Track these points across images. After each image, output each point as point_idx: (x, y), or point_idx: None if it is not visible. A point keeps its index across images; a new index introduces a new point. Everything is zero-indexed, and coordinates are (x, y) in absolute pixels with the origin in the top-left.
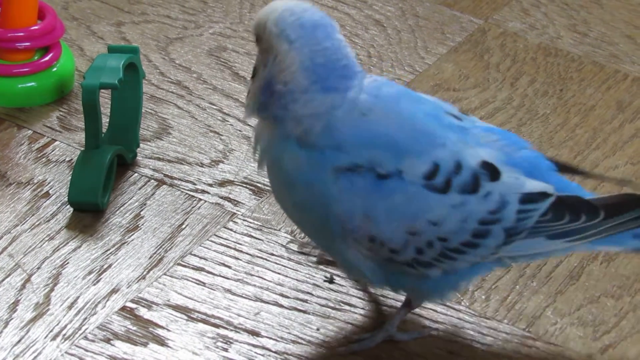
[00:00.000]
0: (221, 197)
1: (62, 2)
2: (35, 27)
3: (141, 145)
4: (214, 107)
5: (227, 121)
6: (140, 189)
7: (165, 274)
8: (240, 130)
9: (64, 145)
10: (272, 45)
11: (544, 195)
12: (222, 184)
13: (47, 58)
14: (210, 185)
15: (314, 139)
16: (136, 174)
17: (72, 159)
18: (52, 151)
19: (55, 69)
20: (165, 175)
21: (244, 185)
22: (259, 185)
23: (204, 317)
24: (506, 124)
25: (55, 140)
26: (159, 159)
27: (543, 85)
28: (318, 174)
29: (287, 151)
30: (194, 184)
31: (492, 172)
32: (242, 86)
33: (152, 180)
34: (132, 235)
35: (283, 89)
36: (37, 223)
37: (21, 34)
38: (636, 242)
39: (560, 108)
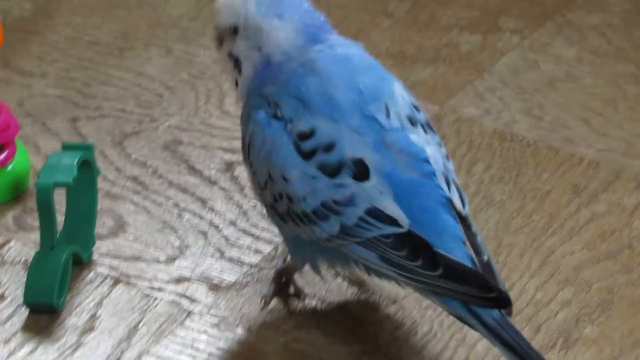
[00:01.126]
0: (178, 295)
1: (16, 98)
2: None
3: (97, 243)
4: (170, 202)
5: (183, 217)
6: (96, 288)
7: None
8: (196, 226)
9: (20, 246)
10: (261, 27)
11: (393, 221)
12: (179, 280)
13: (1, 157)
14: (167, 282)
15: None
16: (92, 273)
17: (27, 260)
18: (7, 252)
19: (9, 168)
20: (122, 274)
21: (201, 281)
22: (216, 281)
23: None
24: None
25: (11, 240)
26: (115, 257)
27: (499, 171)
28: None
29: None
30: (150, 282)
31: (360, 172)
32: (199, 180)
33: (109, 279)
34: (89, 336)
35: (283, 58)
36: None
37: None
38: (461, 310)
39: (516, 194)
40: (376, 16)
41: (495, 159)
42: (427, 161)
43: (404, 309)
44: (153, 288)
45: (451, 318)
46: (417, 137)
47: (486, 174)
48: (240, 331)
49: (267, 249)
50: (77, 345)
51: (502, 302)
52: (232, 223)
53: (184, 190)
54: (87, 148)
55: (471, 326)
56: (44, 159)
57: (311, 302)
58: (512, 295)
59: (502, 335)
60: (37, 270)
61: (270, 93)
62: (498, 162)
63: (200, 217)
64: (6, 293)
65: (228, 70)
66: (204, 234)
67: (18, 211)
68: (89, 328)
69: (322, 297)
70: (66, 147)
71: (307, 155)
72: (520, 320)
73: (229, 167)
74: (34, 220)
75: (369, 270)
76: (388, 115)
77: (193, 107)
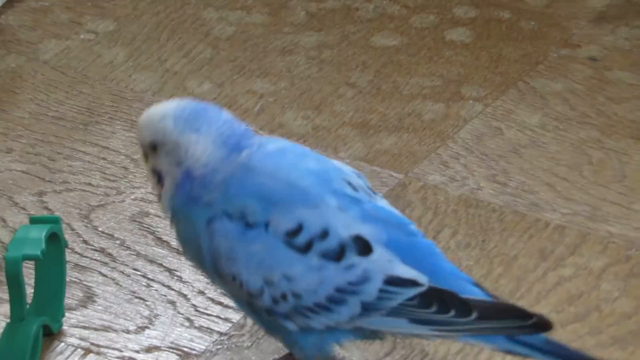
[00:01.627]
0: None
1: None
2: None
3: (66, 314)
4: (138, 272)
5: (152, 286)
6: (67, 358)
7: None
8: (165, 295)
9: None
10: (179, 143)
11: (412, 282)
12: (149, 349)
13: None
14: (137, 351)
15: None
16: (62, 344)
17: None
18: None
19: None
20: (92, 344)
21: (171, 350)
22: (186, 349)
23: None
24: None
25: None
26: (84, 328)
27: (465, 237)
28: (200, 220)
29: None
30: (121, 351)
31: (363, 247)
32: (166, 250)
33: (79, 350)
34: None
35: (205, 171)
36: None
37: None
38: (509, 344)
39: (483, 259)
40: (339, 86)
41: (462, 225)
42: (405, 222)
43: None
44: (124, 358)
45: None
46: (383, 202)
47: (452, 240)
48: None
49: (236, 317)
50: None
51: (544, 324)
52: (201, 292)
53: (152, 261)
54: (54, 221)
55: (526, 356)
56: (12, 233)
57: None
58: (482, 357)
59: (560, 352)
60: (7, 343)
61: (218, 202)
62: (464, 228)
63: (169, 287)
64: None
65: (153, 184)
66: (173, 303)
67: None
68: None
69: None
70: (34, 221)
71: (304, 249)
72: None
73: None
74: (3, 293)
75: (398, 335)
76: (354, 189)
77: None
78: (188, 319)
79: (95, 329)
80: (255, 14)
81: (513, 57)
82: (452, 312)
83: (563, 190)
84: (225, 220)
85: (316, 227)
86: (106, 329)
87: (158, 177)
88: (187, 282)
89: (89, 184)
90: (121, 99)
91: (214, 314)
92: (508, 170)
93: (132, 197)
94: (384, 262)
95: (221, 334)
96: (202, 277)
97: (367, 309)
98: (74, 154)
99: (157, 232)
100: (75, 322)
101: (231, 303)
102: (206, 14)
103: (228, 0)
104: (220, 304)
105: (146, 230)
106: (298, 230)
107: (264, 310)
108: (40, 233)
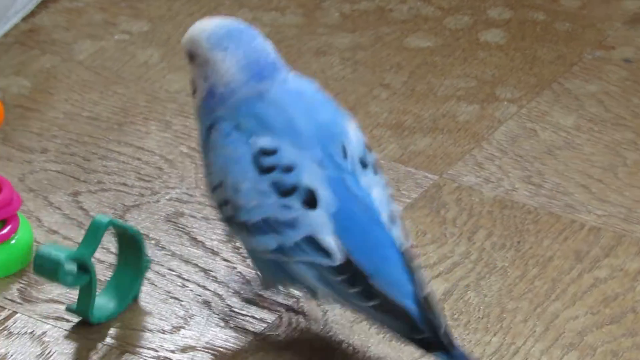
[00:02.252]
0: None
1: (18, 174)
2: None
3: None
4: (174, 273)
5: (187, 287)
6: (102, 358)
7: None
8: (200, 295)
9: (25, 318)
10: (208, 58)
11: (326, 253)
12: (184, 350)
13: (4, 231)
14: (172, 352)
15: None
16: (99, 344)
17: (33, 331)
18: (14, 323)
19: (13, 242)
20: (128, 344)
21: (206, 350)
22: (221, 349)
23: None
24: (465, 279)
25: (16, 313)
26: (120, 328)
27: (500, 238)
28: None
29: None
30: (156, 351)
31: (309, 201)
32: (201, 251)
33: (115, 349)
34: None
35: (225, 90)
36: None
37: None
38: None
39: (518, 260)
40: (373, 88)
41: (497, 227)
42: (373, 206)
43: None
44: (159, 358)
45: None
46: (367, 179)
47: (487, 242)
48: None
49: (271, 317)
50: None
51: (433, 344)
52: (236, 292)
53: (187, 261)
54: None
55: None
56: (47, 232)
57: None
58: (518, 358)
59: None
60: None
61: (225, 114)
62: (499, 230)
63: (204, 287)
64: None
65: (192, 93)
66: (208, 303)
67: (23, 284)
68: None
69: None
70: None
71: (263, 171)
72: None
73: (231, 238)
74: (38, 293)
75: (310, 290)
76: (345, 156)
77: (193, 180)
78: (223, 319)
79: (131, 329)
80: (289, 15)
81: (548, 59)
82: (356, 289)
83: (598, 192)
84: (224, 122)
85: (286, 160)
86: (142, 329)
87: (193, 88)
88: (222, 282)
89: (124, 184)
90: (155, 99)
91: (249, 314)
92: (543, 172)
93: (167, 197)
94: (316, 224)
95: (256, 334)
96: (238, 277)
97: (281, 250)
98: (109, 154)
99: (192, 232)
100: (110, 323)
101: (266, 303)
102: (240, 14)
103: (262, 1)
104: (255, 304)
105: (181, 231)
106: (271, 152)
107: (216, 208)
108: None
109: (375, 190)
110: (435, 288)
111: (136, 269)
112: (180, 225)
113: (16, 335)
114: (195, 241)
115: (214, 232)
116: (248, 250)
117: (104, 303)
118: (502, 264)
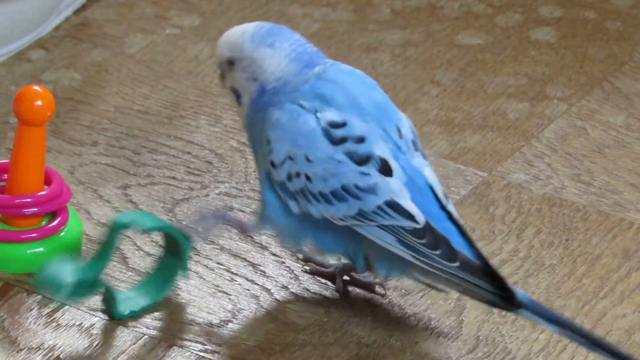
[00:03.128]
0: (232, 358)
1: (68, 166)
2: (42, 193)
3: (150, 307)
4: (222, 267)
5: (236, 280)
6: (150, 351)
7: None
8: (248, 290)
9: (74, 310)
10: (254, 58)
11: (409, 216)
12: (232, 344)
13: (54, 223)
14: (220, 345)
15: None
16: (146, 336)
17: (82, 323)
18: (62, 315)
19: (63, 234)
20: (175, 337)
21: (254, 344)
22: (269, 344)
23: None
24: (513, 276)
25: (65, 305)
26: (168, 321)
27: (549, 236)
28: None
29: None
30: (204, 345)
31: (385, 168)
32: (250, 245)
33: (162, 343)
34: None
35: (277, 84)
36: None
37: (28, 199)
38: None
39: (566, 258)
40: (424, 84)
41: (545, 224)
42: (428, 183)
43: None
44: (207, 351)
45: None
46: (418, 160)
47: (536, 239)
48: None
49: (319, 311)
50: None
51: (514, 304)
52: (284, 287)
53: (236, 255)
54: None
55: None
56: (96, 225)
57: None
58: (565, 356)
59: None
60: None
61: (283, 99)
62: (548, 227)
63: (252, 282)
64: (62, 355)
65: (232, 103)
66: (256, 297)
67: None
68: None
69: (375, 359)
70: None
71: (336, 142)
72: None
73: (259, 229)
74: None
75: (379, 256)
76: (400, 136)
77: (243, 174)
78: (271, 314)
79: (179, 322)
80: (340, 11)
81: (598, 57)
82: (439, 252)
83: None
84: (284, 104)
85: (357, 131)
86: (190, 322)
87: (236, 95)
88: (271, 277)
89: (174, 177)
90: (206, 93)
91: (297, 309)
92: (592, 170)
93: (216, 191)
94: (395, 189)
95: (304, 328)
96: (286, 272)
97: (362, 215)
98: (159, 147)
99: None
100: (159, 316)
101: (314, 298)
102: (291, 10)
103: None
104: (303, 299)
105: (230, 225)
106: (341, 125)
107: (277, 183)
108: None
109: (427, 170)
110: None
111: (172, 271)
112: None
113: (64, 328)
114: (243, 235)
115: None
116: (302, 219)
117: (133, 296)
118: (550, 262)
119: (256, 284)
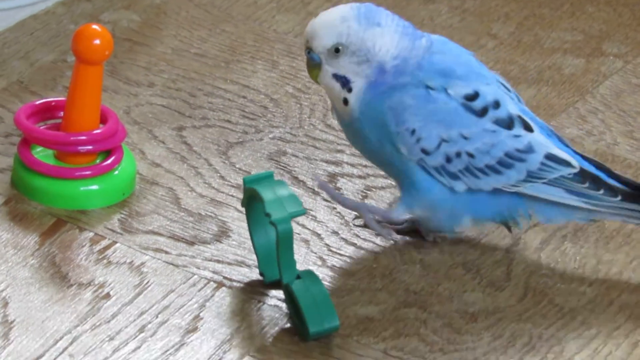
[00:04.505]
0: (280, 299)
1: (124, 106)
2: (98, 131)
3: (200, 247)
4: None
5: None
6: (199, 290)
7: None
8: (299, 234)
9: (125, 248)
10: (365, 39)
11: (567, 163)
12: (281, 286)
13: (109, 161)
14: (269, 287)
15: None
16: (196, 276)
17: (132, 261)
18: (113, 253)
19: (117, 172)
20: (225, 278)
21: None
22: None
23: None
24: (562, 229)
25: (116, 243)
26: (218, 262)
27: None
28: (387, 100)
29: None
30: (252, 286)
31: (526, 124)
32: (302, 190)
33: (212, 282)
34: (192, 336)
35: (398, 62)
36: (97, 324)
37: (83, 137)
38: None
39: None
40: (481, 37)
41: None
42: (545, 125)
43: (501, 321)
44: (255, 292)
45: (549, 331)
46: (528, 110)
47: None
48: (339, 338)
49: (369, 257)
50: (180, 345)
51: None
52: (335, 232)
53: None
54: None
55: None
56: (150, 165)
57: (411, 311)
58: (613, 309)
59: None
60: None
61: (406, 82)
62: None
63: (303, 226)
64: (112, 292)
65: (335, 92)
66: (306, 242)
67: (124, 215)
68: (192, 329)
69: (423, 306)
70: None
71: (480, 113)
72: (618, 335)
73: (332, 178)
74: (138, 224)
75: (544, 209)
76: (508, 89)
77: (297, 120)
78: (321, 258)
79: (229, 264)
80: None
81: None
82: (602, 191)
83: None
84: (410, 87)
85: (490, 97)
86: (239, 263)
87: (343, 82)
88: (322, 222)
89: (228, 121)
90: (263, 39)
91: (347, 254)
92: None
93: (270, 135)
94: (543, 141)
95: (353, 274)
96: (336, 217)
97: (531, 175)
98: (215, 91)
99: (294, 171)
100: (209, 256)
101: (364, 244)
102: None
103: None
104: (353, 244)
105: (283, 169)
106: (475, 96)
107: (434, 168)
108: (288, 190)
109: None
110: (532, 237)
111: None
112: (282, 164)
113: (115, 265)
114: (296, 180)
115: (315, 172)
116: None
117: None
118: None
119: (307, 228)
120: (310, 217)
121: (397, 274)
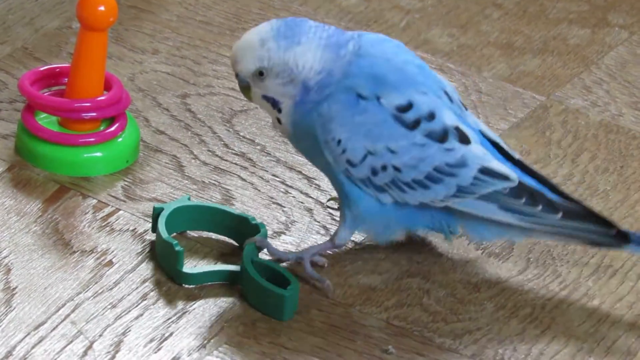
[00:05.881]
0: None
1: (128, 73)
2: (102, 98)
3: None
4: (277, 179)
5: (290, 193)
6: (203, 258)
7: (225, 343)
8: (302, 202)
9: (128, 215)
10: (287, 59)
11: (504, 177)
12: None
13: (112, 128)
14: (272, 256)
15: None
16: (198, 245)
17: (135, 228)
18: (116, 220)
19: (120, 140)
20: (227, 246)
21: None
22: (321, 256)
23: None
24: None
25: (119, 210)
26: None
27: (604, 162)
28: (317, 113)
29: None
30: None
31: (462, 137)
32: (305, 159)
33: (214, 251)
34: (194, 304)
35: (322, 76)
36: (100, 291)
37: (87, 104)
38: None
39: (620, 185)
40: (486, 7)
41: (601, 150)
42: (490, 139)
43: (505, 291)
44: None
45: (552, 301)
46: (472, 119)
47: (591, 164)
48: (341, 307)
49: None
50: (183, 312)
51: (624, 237)
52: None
53: (291, 168)
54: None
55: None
56: (154, 132)
57: (414, 281)
58: (615, 281)
59: None
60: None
61: (334, 90)
62: (603, 154)
63: (307, 195)
64: (114, 259)
65: (268, 111)
66: (310, 210)
67: (127, 182)
68: (194, 296)
69: (426, 276)
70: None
71: (411, 126)
72: (621, 307)
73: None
74: (142, 191)
75: (475, 225)
76: (451, 99)
77: None
78: (324, 227)
79: None
80: None
81: None
82: (540, 207)
83: None
84: (339, 94)
85: (424, 108)
86: None
87: (272, 103)
88: (325, 190)
89: (233, 89)
90: (269, 7)
91: None
92: None
93: None
94: (480, 154)
95: (355, 242)
96: None
97: (461, 191)
98: (219, 58)
99: None
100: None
101: None
102: None
103: None
104: None
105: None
106: (408, 107)
107: (360, 180)
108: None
109: (482, 125)
110: None
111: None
112: None
113: (118, 232)
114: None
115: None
116: (384, 209)
117: None
118: (604, 188)
119: (310, 197)
120: (314, 186)
121: (400, 243)
